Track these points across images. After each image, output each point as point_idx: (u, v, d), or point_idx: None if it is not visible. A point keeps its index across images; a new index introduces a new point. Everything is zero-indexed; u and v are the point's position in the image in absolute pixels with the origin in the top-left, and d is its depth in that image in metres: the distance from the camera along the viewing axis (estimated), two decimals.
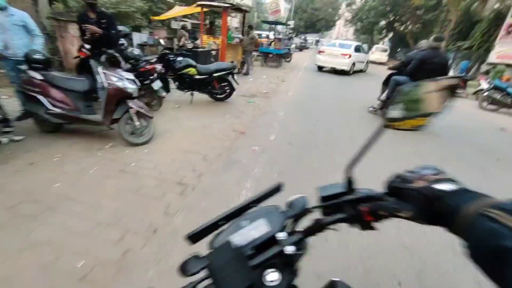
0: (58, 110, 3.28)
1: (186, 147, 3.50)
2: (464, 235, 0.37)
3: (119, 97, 3.31)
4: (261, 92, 6.96)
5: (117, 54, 3.60)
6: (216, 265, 0.46)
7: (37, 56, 3.31)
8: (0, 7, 3.35)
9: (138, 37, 10.08)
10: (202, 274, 0.48)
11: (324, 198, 0.59)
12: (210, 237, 0.57)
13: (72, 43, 6.68)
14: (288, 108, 5.73)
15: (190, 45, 8.82)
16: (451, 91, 0.54)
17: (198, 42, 9.81)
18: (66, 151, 3.16)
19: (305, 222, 0.60)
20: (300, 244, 0.53)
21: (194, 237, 0.54)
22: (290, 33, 21.87)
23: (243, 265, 0.46)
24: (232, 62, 6.68)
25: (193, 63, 5.30)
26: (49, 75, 3.33)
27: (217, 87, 5.48)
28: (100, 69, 3.28)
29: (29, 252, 1.75)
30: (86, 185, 2.53)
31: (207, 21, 11.83)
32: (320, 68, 12.42)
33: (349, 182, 0.57)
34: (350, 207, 0.55)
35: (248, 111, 5.29)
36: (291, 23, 22.87)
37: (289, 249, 0.50)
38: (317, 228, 0.56)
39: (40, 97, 3.25)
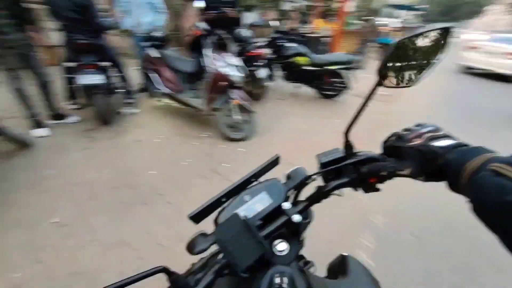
0: (166, 90, 3.25)
1: (286, 156, 2.93)
2: (468, 190, 0.36)
3: (222, 84, 2.98)
4: (379, 94, 5.50)
5: (228, 36, 3.28)
6: (226, 238, 0.45)
7: (156, 34, 3.33)
8: None
9: (249, 17, 9.97)
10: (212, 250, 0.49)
11: (324, 165, 0.58)
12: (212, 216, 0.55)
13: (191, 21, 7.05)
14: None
15: (300, 29, 8.08)
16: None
17: (308, 26, 8.95)
18: (167, 133, 3.15)
19: (306, 192, 0.58)
20: (305, 213, 0.54)
21: (197, 217, 0.54)
22: (422, 20, 17.74)
23: (254, 235, 0.45)
24: (350, 53, 5.56)
25: (305, 51, 4.58)
26: (164, 53, 3.32)
27: (328, 82, 4.59)
28: (207, 51, 3.00)
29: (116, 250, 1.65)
30: (177, 179, 2.34)
31: (321, 3, 10.64)
32: (466, 70, 8.58)
33: (348, 146, 0.57)
34: (352, 171, 0.55)
35: None
36: (424, 7, 18.61)
37: (296, 218, 0.50)
38: (320, 195, 0.55)
39: (152, 75, 3.29)
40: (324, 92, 4.75)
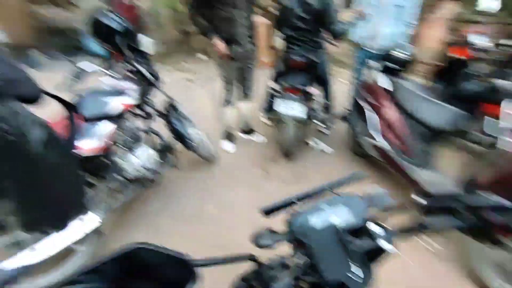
0: (382, 143, 2.05)
1: None
2: None
3: None
4: None
5: None
6: (319, 247, 0.45)
7: (397, 54, 2.15)
8: None
9: None
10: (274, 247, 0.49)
11: (432, 197, 0.53)
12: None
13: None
14: None
15: None
16: None
17: None
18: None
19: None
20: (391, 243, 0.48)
21: (269, 211, 0.55)
22: None
23: (345, 251, 0.45)
24: None
25: None
26: (399, 85, 2.10)
27: None
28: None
29: None
30: None
31: None
32: None
33: (471, 184, 0.57)
34: (470, 213, 0.47)
35: None
36: None
37: (387, 246, 0.46)
38: (416, 229, 0.50)
39: (368, 111, 2.19)
40: None
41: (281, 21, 2.36)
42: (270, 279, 0.46)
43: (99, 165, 1.43)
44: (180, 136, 1.98)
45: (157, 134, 1.91)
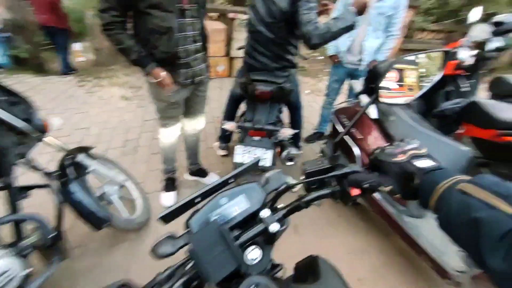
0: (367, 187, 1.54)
1: None
2: (439, 208, 0.39)
3: None
4: None
5: None
6: (200, 248, 0.44)
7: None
8: None
9: None
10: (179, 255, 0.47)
11: (308, 174, 0.58)
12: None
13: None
14: None
15: None
16: None
17: None
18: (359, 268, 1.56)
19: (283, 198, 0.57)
20: (283, 221, 0.52)
21: (168, 217, 0.50)
22: None
23: (229, 247, 0.44)
24: None
25: None
26: (390, 113, 1.64)
27: None
28: None
29: None
30: None
31: None
32: None
33: (334, 158, 0.65)
34: (335, 183, 0.56)
35: None
36: None
37: (274, 227, 0.48)
38: (301, 204, 0.55)
39: (356, 151, 1.68)
40: None
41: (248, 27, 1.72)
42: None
43: None
44: (84, 211, 1.24)
45: (30, 219, 1.11)
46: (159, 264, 0.50)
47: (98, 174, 1.42)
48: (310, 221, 1.84)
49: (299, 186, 0.58)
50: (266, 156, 1.55)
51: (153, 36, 1.25)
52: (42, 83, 3.73)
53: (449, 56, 2.23)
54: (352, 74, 2.32)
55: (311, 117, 3.08)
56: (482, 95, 2.64)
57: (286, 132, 1.60)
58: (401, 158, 0.47)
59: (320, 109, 2.71)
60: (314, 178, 0.56)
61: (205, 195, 0.54)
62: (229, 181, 0.56)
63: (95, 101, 3.35)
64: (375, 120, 1.68)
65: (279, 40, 1.57)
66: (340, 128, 1.84)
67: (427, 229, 1.44)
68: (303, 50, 1.83)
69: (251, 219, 0.52)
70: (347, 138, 1.74)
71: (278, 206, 0.55)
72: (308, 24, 1.34)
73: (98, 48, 4.43)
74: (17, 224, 1.06)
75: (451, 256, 1.32)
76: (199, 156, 2.04)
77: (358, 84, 1.89)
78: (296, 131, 1.91)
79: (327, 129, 2.71)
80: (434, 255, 1.34)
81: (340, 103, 2.08)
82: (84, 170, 1.32)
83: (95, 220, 1.24)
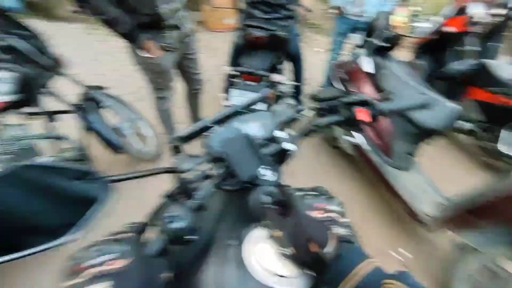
0: (361, 142, 1.71)
1: None
2: None
3: None
4: None
5: None
6: (231, 152, 0.49)
7: (387, 33, 1.70)
8: None
9: None
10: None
11: (320, 100, 0.63)
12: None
13: None
14: None
15: None
16: None
17: None
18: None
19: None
20: (295, 143, 0.56)
21: (185, 138, 0.56)
22: None
23: (255, 152, 0.49)
24: None
25: None
26: (387, 71, 1.70)
27: None
28: None
29: None
30: None
31: None
32: None
33: (345, 85, 0.79)
34: (346, 109, 0.60)
35: None
36: None
37: (290, 147, 0.54)
38: (312, 128, 0.59)
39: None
40: None
41: None
42: (192, 190, 0.48)
43: None
44: (103, 137, 1.47)
45: (61, 138, 1.37)
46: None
47: (114, 110, 1.61)
48: (306, 167, 2.03)
49: (307, 113, 0.63)
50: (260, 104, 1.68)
51: None
52: (54, 29, 3.79)
53: (460, 10, 2.17)
54: (356, 27, 2.28)
55: (318, 75, 3.09)
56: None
57: (277, 78, 1.69)
58: (318, 215, 0.49)
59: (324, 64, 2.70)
60: (328, 103, 0.61)
61: (218, 121, 0.58)
62: (239, 110, 0.61)
63: (108, 50, 3.41)
64: (368, 74, 1.75)
65: None
66: (336, 84, 1.91)
67: (407, 179, 1.60)
68: (308, 1, 1.84)
69: (266, 144, 0.55)
70: (340, 89, 1.83)
71: (290, 132, 0.59)
72: None
73: None
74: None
75: (425, 203, 1.49)
76: (199, 113, 2.11)
77: (358, 38, 1.92)
78: (294, 84, 2.02)
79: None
80: (409, 201, 1.51)
81: (341, 59, 2.13)
82: (101, 104, 1.52)
83: (112, 146, 1.47)
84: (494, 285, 1.13)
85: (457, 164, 2.25)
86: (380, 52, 1.76)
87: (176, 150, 0.56)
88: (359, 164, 2.01)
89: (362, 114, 0.58)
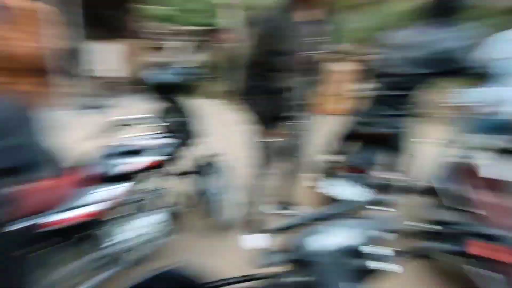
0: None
1: None
2: None
3: None
4: None
5: None
6: (321, 267, 0.48)
7: None
8: None
9: None
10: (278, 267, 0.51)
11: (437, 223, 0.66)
12: None
13: None
14: None
15: None
16: None
17: None
18: None
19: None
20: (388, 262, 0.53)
21: (282, 230, 0.57)
22: None
23: (344, 272, 0.48)
24: None
25: None
26: None
27: None
28: None
29: None
30: None
31: None
32: None
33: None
34: (457, 238, 0.58)
35: None
36: None
37: (390, 267, 0.49)
38: (416, 253, 0.56)
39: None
40: None
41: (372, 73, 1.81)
42: None
43: (84, 236, 1.18)
44: (204, 199, 1.70)
45: (177, 195, 1.69)
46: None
47: (222, 176, 1.85)
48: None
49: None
50: (363, 193, 1.54)
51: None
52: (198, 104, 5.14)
53: None
54: (490, 127, 1.91)
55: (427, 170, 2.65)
56: None
57: (386, 175, 1.57)
58: None
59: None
60: (444, 228, 0.56)
61: (319, 219, 0.57)
62: (339, 213, 0.61)
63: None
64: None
65: (411, 90, 1.58)
66: (456, 189, 1.57)
67: None
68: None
69: (355, 253, 0.53)
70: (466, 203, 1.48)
71: (387, 248, 0.55)
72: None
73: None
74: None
75: None
76: (291, 195, 2.10)
77: (499, 140, 1.59)
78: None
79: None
80: None
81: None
82: (214, 170, 1.82)
83: (211, 210, 1.69)
84: None
85: None
86: None
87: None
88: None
89: (472, 246, 0.52)
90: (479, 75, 1.43)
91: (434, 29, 1.50)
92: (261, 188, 1.88)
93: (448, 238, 0.60)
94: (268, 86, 1.49)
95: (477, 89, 1.78)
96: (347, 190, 1.57)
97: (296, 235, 0.54)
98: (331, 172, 1.70)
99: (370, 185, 1.56)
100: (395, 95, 1.59)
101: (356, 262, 0.50)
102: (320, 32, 1.52)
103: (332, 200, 1.66)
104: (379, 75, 1.70)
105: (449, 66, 1.44)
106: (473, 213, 1.39)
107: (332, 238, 0.52)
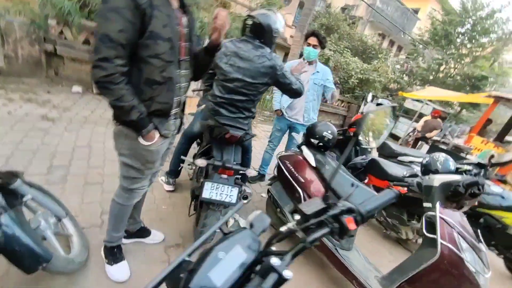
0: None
1: None
2: None
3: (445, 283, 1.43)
4: None
5: None
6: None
7: (325, 134, 2.06)
8: (311, 59, 2.56)
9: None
10: None
11: (308, 216, 0.61)
12: None
13: None
14: None
15: (444, 144, 5.77)
16: None
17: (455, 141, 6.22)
18: None
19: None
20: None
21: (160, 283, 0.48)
22: None
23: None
24: None
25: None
26: (327, 164, 2.00)
27: None
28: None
29: None
30: None
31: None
32: None
33: (327, 197, 0.64)
34: (334, 220, 0.60)
35: None
36: None
37: (288, 274, 0.49)
38: (306, 245, 0.56)
39: (300, 192, 1.94)
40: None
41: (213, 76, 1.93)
42: None
43: None
44: (18, 249, 1.03)
45: None
46: None
47: (35, 204, 1.25)
48: None
49: (290, 226, 0.61)
50: (232, 194, 1.64)
51: (150, 87, 1.13)
52: None
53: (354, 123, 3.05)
54: (292, 127, 2.81)
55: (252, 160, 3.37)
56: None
57: (252, 173, 1.77)
58: None
59: (262, 153, 3.06)
60: (315, 219, 0.59)
61: (193, 252, 0.53)
62: (216, 232, 0.58)
63: (3, 116, 2.85)
64: (314, 168, 2.01)
65: (253, 97, 1.82)
66: (286, 172, 2.11)
67: (354, 259, 1.79)
68: None
69: (252, 266, 0.53)
70: (292, 181, 2.02)
71: (282, 251, 0.55)
72: (297, 83, 1.84)
73: (8, 55, 3.86)
74: None
75: (370, 278, 1.67)
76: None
77: (300, 137, 2.28)
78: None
79: (267, 172, 3.06)
80: (358, 277, 1.66)
81: (285, 151, 2.44)
82: (19, 198, 1.17)
83: (32, 259, 1.05)
84: None
85: (372, 240, 2.64)
86: (319, 149, 2.10)
87: None
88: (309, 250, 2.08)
89: (351, 223, 0.59)
90: (295, 90, 1.88)
91: (255, 46, 1.76)
92: (126, 209, 1.45)
93: (326, 223, 0.61)
94: None
95: (286, 97, 2.47)
96: (221, 192, 1.61)
97: (189, 273, 0.50)
98: (205, 175, 1.70)
99: (238, 184, 1.70)
100: (239, 100, 1.80)
101: (260, 281, 0.49)
102: None
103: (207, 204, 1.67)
104: (222, 80, 1.81)
105: (274, 79, 1.81)
106: (300, 194, 1.93)
107: (229, 263, 0.51)
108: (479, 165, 2.20)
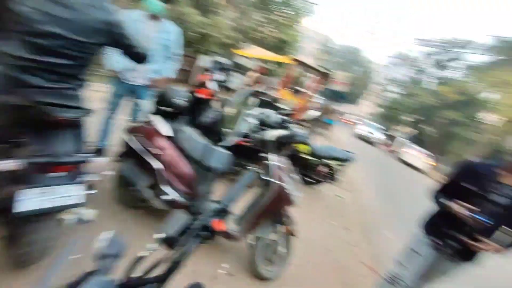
0: (173, 197, 1.84)
1: None
2: None
3: (281, 206, 1.99)
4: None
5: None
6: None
7: (176, 100, 1.98)
8: (155, 12, 2.20)
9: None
10: None
11: (172, 238, 0.58)
12: None
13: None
14: None
15: (268, 96, 7.43)
16: None
17: (272, 92, 7.97)
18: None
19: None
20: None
21: None
22: None
23: None
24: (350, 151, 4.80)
25: (307, 138, 3.82)
26: (180, 131, 1.99)
27: (318, 172, 4.19)
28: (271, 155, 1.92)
29: None
30: None
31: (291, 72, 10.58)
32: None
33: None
34: (202, 229, 0.62)
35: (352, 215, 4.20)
36: None
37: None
38: (176, 266, 0.54)
39: (156, 165, 1.85)
40: (307, 179, 4.27)
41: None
42: None
43: None
44: None
45: None
46: None
47: None
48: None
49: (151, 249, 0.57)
50: (75, 193, 1.25)
51: None
52: None
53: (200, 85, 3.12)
54: (134, 91, 2.45)
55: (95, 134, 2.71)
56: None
57: (102, 162, 1.39)
58: None
59: (99, 124, 2.51)
60: (181, 239, 0.58)
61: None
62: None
63: None
64: (168, 137, 1.94)
65: (81, 61, 1.28)
66: (136, 146, 1.90)
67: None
68: None
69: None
70: (147, 154, 1.86)
71: (151, 275, 0.53)
72: (141, 46, 1.52)
73: None
74: None
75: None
76: None
77: (148, 105, 2.07)
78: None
79: (107, 144, 2.61)
80: None
81: (132, 122, 2.14)
82: None
83: None
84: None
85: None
86: (171, 116, 2.02)
87: None
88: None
89: (220, 224, 0.65)
90: (138, 54, 1.55)
91: None
92: None
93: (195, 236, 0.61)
94: None
95: (118, 57, 2.00)
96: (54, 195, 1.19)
97: None
98: (22, 180, 1.14)
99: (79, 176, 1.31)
100: (61, 64, 1.22)
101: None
102: None
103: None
104: (25, 33, 1.12)
105: (111, 39, 1.38)
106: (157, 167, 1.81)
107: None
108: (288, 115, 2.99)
